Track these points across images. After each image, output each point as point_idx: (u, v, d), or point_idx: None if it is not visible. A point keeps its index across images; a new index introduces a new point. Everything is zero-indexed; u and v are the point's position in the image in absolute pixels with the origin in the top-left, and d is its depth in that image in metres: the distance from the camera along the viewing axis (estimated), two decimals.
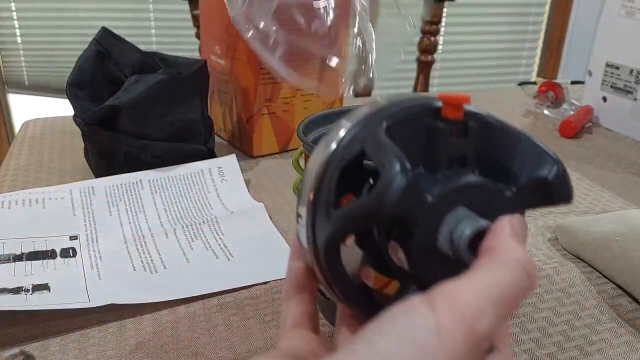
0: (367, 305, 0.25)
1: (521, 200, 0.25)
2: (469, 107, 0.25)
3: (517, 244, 0.23)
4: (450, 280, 0.21)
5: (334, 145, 0.24)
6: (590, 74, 0.95)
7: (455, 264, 0.23)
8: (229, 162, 0.67)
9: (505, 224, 0.24)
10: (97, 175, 0.67)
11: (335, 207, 0.24)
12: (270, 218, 0.60)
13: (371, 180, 0.27)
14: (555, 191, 0.25)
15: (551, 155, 0.26)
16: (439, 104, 0.25)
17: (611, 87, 0.92)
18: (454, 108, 0.25)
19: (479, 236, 0.23)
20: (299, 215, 0.25)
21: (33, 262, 0.50)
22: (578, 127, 0.90)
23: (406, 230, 0.23)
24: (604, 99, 0.93)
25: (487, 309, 0.20)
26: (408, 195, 0.22)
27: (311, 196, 0.24)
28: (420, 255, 0.24)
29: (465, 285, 0.21)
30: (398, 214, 0.23)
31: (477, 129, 0.25)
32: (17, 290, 0.46)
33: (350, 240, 0.27)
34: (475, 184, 0.24)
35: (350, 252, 0.28)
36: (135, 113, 0.64)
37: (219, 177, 0.65)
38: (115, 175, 0.63)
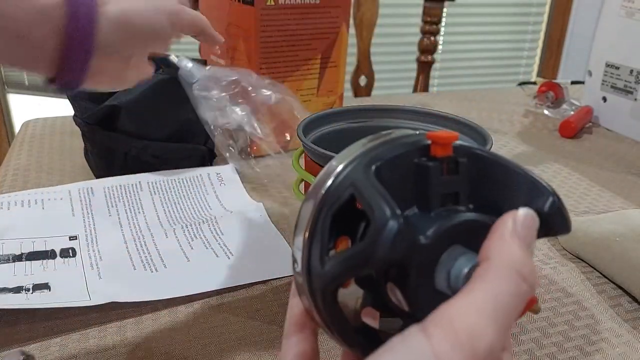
0: (368, 346, 0.25)
1: None
2: (457, 142, 0.25)
3: (514, 245, 0.22)
4: (444, 303, 0.21)
5: (323, 191, 0.24)
6: (590, 74, 0.95)
7: None
8: (227, 170, 0.68)
9: (508, 222, 0.23)
10: (97, 175, 0.67)
11: (330, 253, 0.24)
12: (270, 218, 0.60)
13: (365, 222, 0.26)
14: (551, 222, 0.25)
15: (545, 186, 0.25)
16: (427, 142, 0.25)
17: (611, 87, 0.92)
18: (442, 146, 0.24)
19: None
20: (294, 261, 0.25)
21: (33, 262, 0.50)
22: (578, 127, 0.90)
23: (402, 273, 0.23)
24: (604, 99, 0.93)
25: (483, 326, 0.20)
26: (400, 240, 0.22)
27: (305, 243, 0.24)
28: (418, 296, 0.23)
29: (457, 305, 0.20)
30: (391, 259, 0.22)
31: (468, 164, 0.25)
32: (17, 290, 0.46)
33: (350, 281, 0.27)
34: (469, 221, 0.24)
35: (351, 292, 0.28)
36: (135, 113, 0.64)
37: (218, 181, 0.66)
38: (114, 177, 0.63)
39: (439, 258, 0.23)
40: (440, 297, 0.23)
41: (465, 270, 0.22)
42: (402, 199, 0.23)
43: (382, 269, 0.24)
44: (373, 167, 0.24)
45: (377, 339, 0.26)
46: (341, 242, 0.26)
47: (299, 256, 0.25)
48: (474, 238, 0.24)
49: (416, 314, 0.24)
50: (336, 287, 0.24)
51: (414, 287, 0.23)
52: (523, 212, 0.23)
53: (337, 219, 0.24)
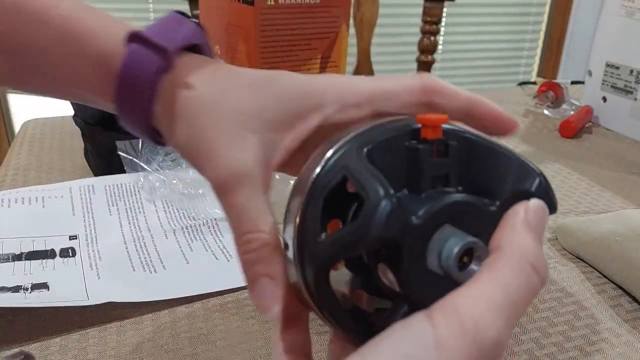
0: (360, 329, 0.25)
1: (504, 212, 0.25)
2: (447, 126, 0.26)
3: (526, 235, 0.22)
4: (452, 291, 0.20)
5: (315, 174, 0.25)
6: (590, 74, 0.95)
7: (446, 282, 0.23)
8: None
9: (519, 212, 0.23)
10: (97, 175, 0.67)
11: (321, 235, 0.24)
12: None
13: (356, 205, 0.27)
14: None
15: (532, 167, 0.26)
16: (418, 125, 0.25)
17: (611, 87, 0.92)
18: (432, 129, 0.25)
19: (467, 253, 0.23)
20: (285, 245, 0.26)
21: (32, 261, 0.50)
22: (578, 127, 0.90)
23: (394, 253, 0.23)
24: (604, 99, 0.93)
25: (491, 317, 0.19)
26: (393, 219, 0.22)
27: (296, 226, 0.24)
28: (410, 276, 0.24)
29: (466, 293, 0.20)
30: (384, 239, 0.23)
31: (458, 147, 0.26)
32: (16, 289, 0.46)
33: (341, 264, 0.27)
34: (460, 201, 0.24)
35: (341, 275, 0.28)
36: None
37: None
38: (115, 175, 0.63)
39: (430, 238, 0.23)
40: (431, 277, 0.23)
41: (456, 249, 0.23)
42: (394, 182, 0.24)
43: (374, 249, 0.24)
44: (364, 150, 0.24)
45: (367, 321, 0.26)
46: (332, 225, 0.26)
47: (289, 240, 0.25)
48: (464, 219, 0.24)
49: (408, 294, 0.24)
50: (329, 267, 0.24)
51: (406, 267, 0.23)
52: (535, 202, 0.23)
53: (328, 203, 0.24)
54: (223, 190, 0.26)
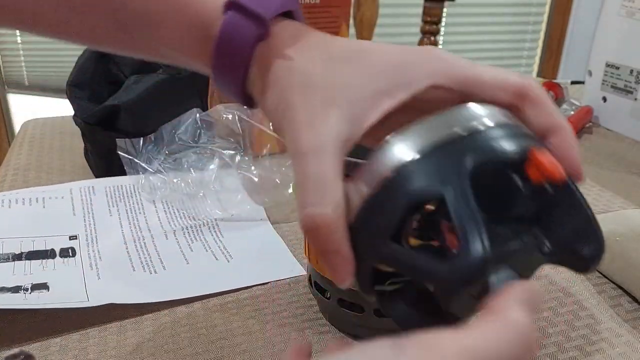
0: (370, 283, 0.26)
1: (551, 258, 0.25)
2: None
3: (520, 307, 0.21)
4: (432, 331, 0.20)
5: (401, 165, 0.23)
6: (590, 74, 0.95)
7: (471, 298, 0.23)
8: (227, 173, 0.68)
9: (517, 287, 0.22)
10: (97, 175, 0.67)
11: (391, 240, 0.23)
12: (270, 219, 0.60)
13: (426, 215, 0.25)
14: (583, 264, 0.25)
15: (600, 235, 0.25)
16: (525, 155, 0.23)
17: (611, 87, 0.92)
18: (542, 174, 0.23)
19: None
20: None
21: (32, 261, 0.50)
22: (578, 127, 0.90)
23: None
24: (604, 99, 0.93)
25: None
26: (478, 274, 0.22)
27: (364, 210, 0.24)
28: (453, 302, 0.23)
29: (448, 337, 0.19)
30: (463, 288, 0.22)
31: (553, 194, 0.24)
32: (16, 289, 0.46)
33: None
34: (528, 251, 0.23)
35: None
36: (135, 113, 0.64)
37: (219, 183, 0.66)
38: (115, 177, 0.63)
39: (488, 275, 0.22)
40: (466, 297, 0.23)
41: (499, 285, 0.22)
42: (482, 202, 0.22)
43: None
44: (468, 166, 0.22)
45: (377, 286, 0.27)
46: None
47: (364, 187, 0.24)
48: (520, 262, 0.23)
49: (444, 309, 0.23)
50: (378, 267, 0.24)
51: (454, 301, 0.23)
52: (530, 285, 0.22)
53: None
54: (297, 159, 0.26)
